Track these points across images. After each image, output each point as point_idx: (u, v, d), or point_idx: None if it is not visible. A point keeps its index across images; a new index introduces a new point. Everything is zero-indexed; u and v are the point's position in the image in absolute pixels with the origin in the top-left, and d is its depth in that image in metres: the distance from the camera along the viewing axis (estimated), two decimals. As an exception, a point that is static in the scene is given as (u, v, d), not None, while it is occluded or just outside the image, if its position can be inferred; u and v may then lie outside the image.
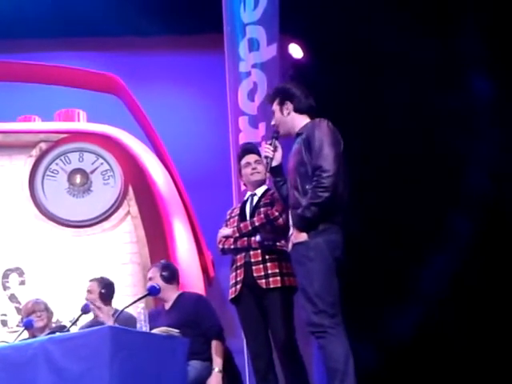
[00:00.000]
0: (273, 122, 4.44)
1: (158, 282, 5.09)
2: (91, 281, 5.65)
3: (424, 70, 6.86)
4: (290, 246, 4.19)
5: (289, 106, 4.35)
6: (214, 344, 4.97)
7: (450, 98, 6.68)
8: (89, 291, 5.58)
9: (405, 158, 6.78)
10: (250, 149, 5.03)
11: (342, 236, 4.13)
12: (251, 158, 4.92)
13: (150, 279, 5.19)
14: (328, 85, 6.51)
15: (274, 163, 4.39)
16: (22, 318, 6.20)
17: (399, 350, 6.48)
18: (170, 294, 5.16)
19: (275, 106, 4.40)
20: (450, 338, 6.44)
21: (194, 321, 4.96)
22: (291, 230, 4.18)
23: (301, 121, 4.33)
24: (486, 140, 6.68)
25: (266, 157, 4.40)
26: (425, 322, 6.53)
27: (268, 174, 4.58)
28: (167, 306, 5.17)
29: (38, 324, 5.67)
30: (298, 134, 4.28)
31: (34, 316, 5.71)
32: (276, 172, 4.43)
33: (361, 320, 6.03)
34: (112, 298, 5.63)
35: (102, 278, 5.67)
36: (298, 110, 4.35)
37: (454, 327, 6.45)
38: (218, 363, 4.93)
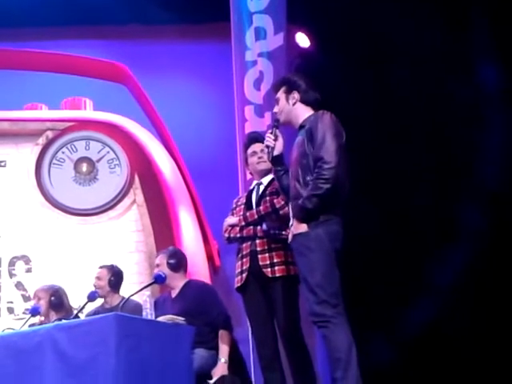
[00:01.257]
0: (275, 110, 4.44)
1: (165, 269, 5.09)
2: (101, 267, 5.69)
3: (433, 60, 6.83)
4: (290, 236, 4.19)
5: (295, 95, 4.36)
6: (221, 333, 4.96)
7: (460, 89, 6.63)
8: (98, 278, 5.61)
9: (416, 150, 6.73)
10: (256, 138, 5.02)
11: (341, 227, 4.12)
12: (257, 147, 4.92)
13: (157, 266, 5.18)
14: (335, 74, 6.49)
15: (275, 152, 4.38)
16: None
17: (413, 345, 6.42)
18: (177, 282, 5.15)
19: (281, 94, 4.40)
20: (464, 332, 6.36)
21: (200, 310, 4.95)
22: (291, 221, 4.19)
23: (305, 112, 4.33)
24: (498, 130, 6.63)
25: (268, 146, 4.40)
26: (439, 317, 6.46)
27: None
28: (174, 293, 5.16)
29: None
30: (302, 126, 4.28)
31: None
32: (277, 161, 4.42)
33: (374, 315, 6.02)
34: (120, 286, 5.67)
35: (112, 266, 5.70)
36: (304, 101, 4.35)
37: (468, 321, 6.37)
38: (224, 353, 4.91)
